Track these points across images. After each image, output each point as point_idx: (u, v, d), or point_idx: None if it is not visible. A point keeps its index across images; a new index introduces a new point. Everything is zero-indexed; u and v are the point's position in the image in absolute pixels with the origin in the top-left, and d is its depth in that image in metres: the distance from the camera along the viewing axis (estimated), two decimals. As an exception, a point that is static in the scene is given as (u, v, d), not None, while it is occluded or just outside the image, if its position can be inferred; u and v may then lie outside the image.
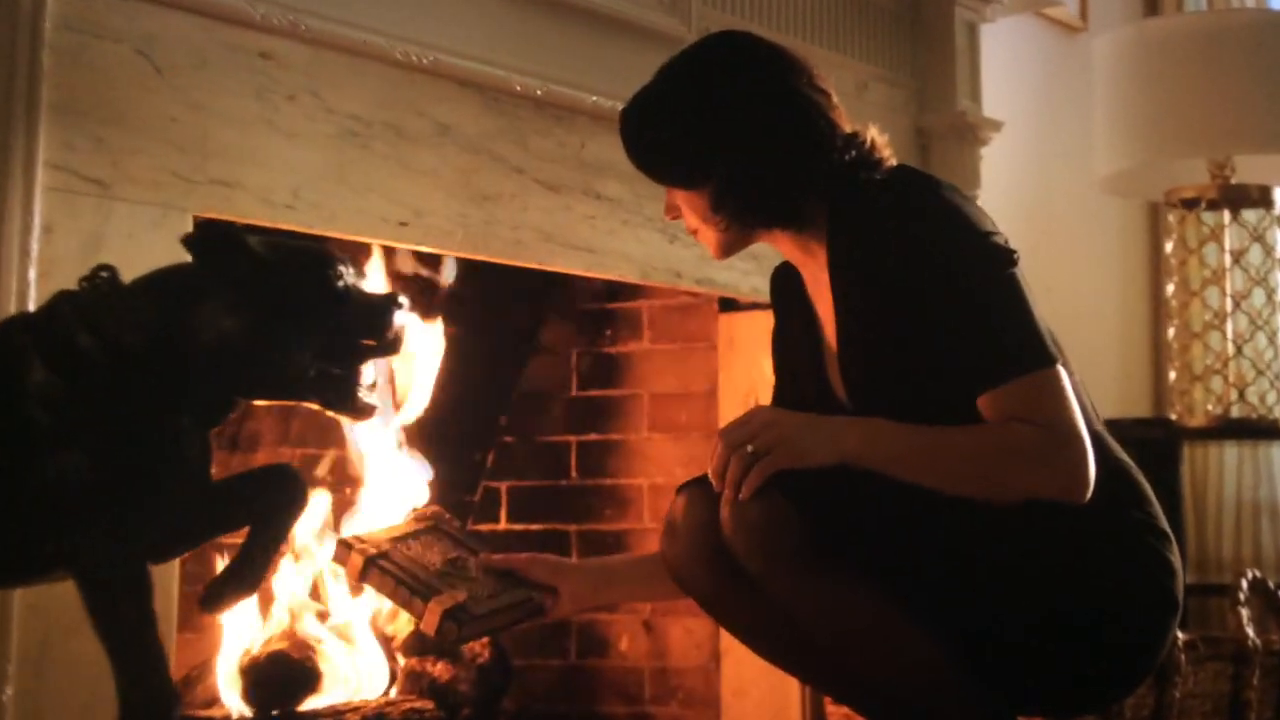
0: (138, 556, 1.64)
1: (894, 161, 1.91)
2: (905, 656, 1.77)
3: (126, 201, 2.02)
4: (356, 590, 2.41)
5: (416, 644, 2.47)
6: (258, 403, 2.03)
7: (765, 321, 2.14)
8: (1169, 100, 3.95)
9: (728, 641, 3.00)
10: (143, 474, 1.63)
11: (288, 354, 1.68)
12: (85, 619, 1.63)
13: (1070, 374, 1.80)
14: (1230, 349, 4.22)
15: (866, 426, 1.79)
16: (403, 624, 2.47)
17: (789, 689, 3.02)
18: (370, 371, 1.76)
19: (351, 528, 2.40)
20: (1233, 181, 4.09)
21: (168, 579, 1.96)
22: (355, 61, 2.31)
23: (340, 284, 1.71)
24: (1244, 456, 4.69)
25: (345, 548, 2.02)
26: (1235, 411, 4.14)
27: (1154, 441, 3.93)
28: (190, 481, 1.69)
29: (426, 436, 2.70)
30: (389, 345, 1.75)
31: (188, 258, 1.71)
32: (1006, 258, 1.80)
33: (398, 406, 2.62)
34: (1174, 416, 4.23)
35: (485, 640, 2.44)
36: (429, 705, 2.39)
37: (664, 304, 3.27)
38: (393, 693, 2.44)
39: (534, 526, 3.35)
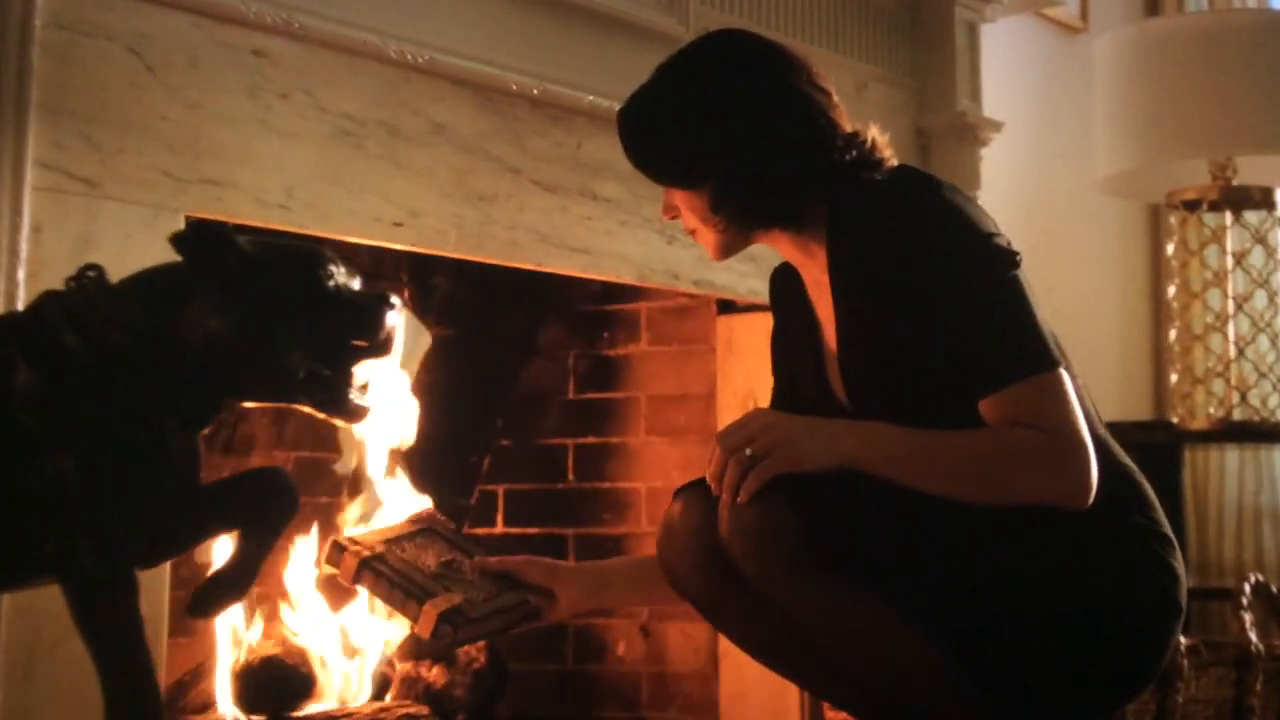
0: (124, 560, 1.62)
1: (895, 161, 1.90)
2: (904, 661, 1.76)
3: (117, 201, 2.00)
4: (350, 592, 2.39)
5: (411, 649, 2.45)
6: (249, 405, 2.01)
7: (764, 323, 2.12)
8: (1170, 101, 3.94)
9: (726, 646, 2.98)
10: (129, 477, 1.61)
11: (277, 355, 1.66)
12: (73, 624, 1.61)
13: (1073, 377, 1.78)
14: (1232, 352, 4.21)
15: (865, 430, 1.78)
16: (398, 628, 2.45)
17: (787, 694, 3.00)
18: (362, 373, 1.74)
19: (346, 530, 2.38)
20: (1234, 183, 4.07)
21: (159, 583, 1.94)
22: (349, 60, 2.30)
23: (330, 283, 1.69)
24: (1245, 460, 4.68)
25: (338, 549, 1.99)
26: (1237, 414, 4.13)
27: (1155, 445, 3.92)
28: (178, 484, 1.67)
29: (422, 440, 2.69)
30: (380, 346, 1.73)
31: (178, 258, 1.69)
32: (1009, 259, 1.78)
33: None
34: (1175, 420, 4.21)
35: (481, 645, 2.42)
36: (424, 711, 2.38)
37: (662, 306, 3.26)
38: (387, 698, 2.42)
39: (531, 530, 3.33)
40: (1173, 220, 4.40)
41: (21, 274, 1.90)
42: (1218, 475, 4.67)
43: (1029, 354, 1.74)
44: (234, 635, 2.30)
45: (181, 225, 2.01)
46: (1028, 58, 4.27)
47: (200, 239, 1.67)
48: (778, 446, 1.75)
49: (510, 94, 2.53)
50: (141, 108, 2.04)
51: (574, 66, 2.63)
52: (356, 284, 1.73)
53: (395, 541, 2.05)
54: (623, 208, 2.71)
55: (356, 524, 2.45)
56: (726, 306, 3.16)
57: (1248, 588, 3.08)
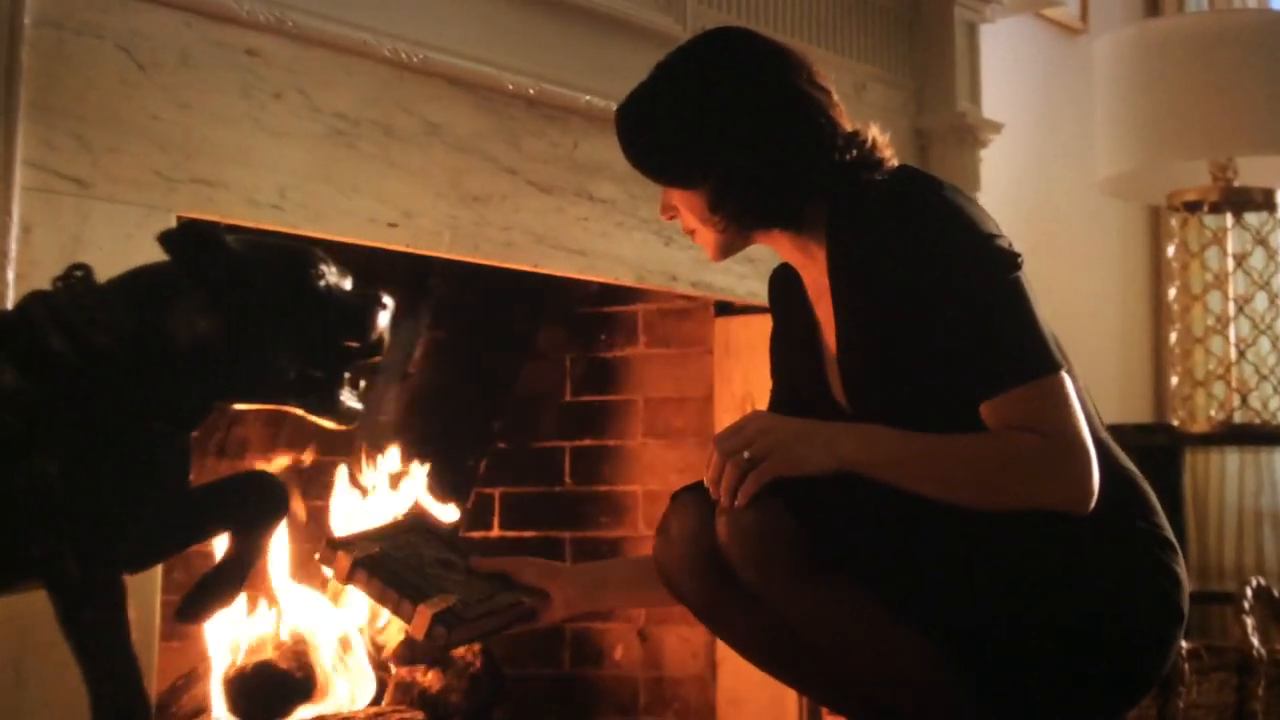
0: (111, 564, 1.60)
1: (895, 161, 1.89)
2: (902, 664, 1.75)
3: (108, 201, 1.98)
4: (343, 593, 2.37)
5: (406, 652, 2.44)
6: (238, 406, 1.98)
7: (762, 325, 2.11)
8: (1170, 101, 3.92)
9: (723, 650, 2.97)
10: (116, 479, 1.59)
11: (266, 356, 1.64)
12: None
13: (1074, 379, 1.77)
14: (1233, 354, 4.19)
15: (864, 433, 1.76)
16: (393, 632, 2.44)
17: (785, 699, 2.99)
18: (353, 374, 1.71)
19: (339, 529, 2.37)
20: (1235, 184, 4.06)
21: (150, 587, 1.93)
22: (343, 59, 2.28)
23: (321, 283, 1.67)
24: (1246, 463, 4.68)
25: (331, 549, 1.97)
26: (1238, 417, 4.12)
27: (1155, 448, 3.92)
28: (166, 488, 1.65)
29: (418, 441, 2.67)
30: (372, 347, 1.70)
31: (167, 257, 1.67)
32: (1010, 261, 1.77)
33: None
34: (1176, 422, 4.20)
35: (477, 649, 2.40)
36: (419, 716, 2.36)
37: (659, 308, 3.25)
38: (382, 703, 2.40)
39: (527, 533, 3.32)
40: (1173, 222, 4.39)
41: (11, 275, 1.88)
42: (1218, 478, 4.66)
43: (1030, 357, 1.73)
44: (227, 640, 2.29)
45: (173, 225, 1.99)
46: (1027, 58, 4.26)
47: (188, 238, 1.65)
48: (775, 449, 1.73)
49: (506, 94, 2.51)
50: (133, 107, 2.02)
51: (570, 66, 2.62)
52: (348, 284, 1.71)
53: (389, 541, 2.03)
54: (620, 208, 2.70)
55: (349, 524, 2.44)
56: (724, 308, 3.15)
57: (1249, 591, 3.06)
